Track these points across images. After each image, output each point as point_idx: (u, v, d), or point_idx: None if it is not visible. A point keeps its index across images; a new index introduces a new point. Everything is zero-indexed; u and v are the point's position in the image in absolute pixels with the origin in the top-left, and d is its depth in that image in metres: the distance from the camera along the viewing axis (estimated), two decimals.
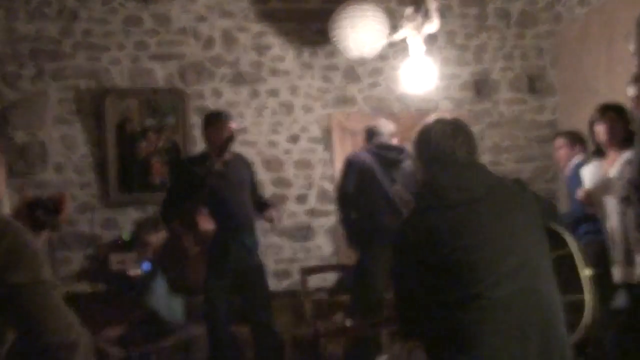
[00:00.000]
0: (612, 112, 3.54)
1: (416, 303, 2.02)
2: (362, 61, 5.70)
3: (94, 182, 5.37)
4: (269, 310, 4.20)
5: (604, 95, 4.57)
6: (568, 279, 2.17)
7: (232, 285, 4.08)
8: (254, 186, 4.35)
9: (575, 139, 4.62)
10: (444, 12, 5.49)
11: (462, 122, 2.21)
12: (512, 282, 1.95)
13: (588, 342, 3.48)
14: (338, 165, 5.21)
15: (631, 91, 3.10)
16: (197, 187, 4.00)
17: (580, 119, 4.79)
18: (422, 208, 2.09)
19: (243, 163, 4.34)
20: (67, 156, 5.35)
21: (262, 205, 4.33)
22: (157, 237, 5.01)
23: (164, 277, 4.68)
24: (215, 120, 4.12)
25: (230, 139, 4.10)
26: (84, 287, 4.98)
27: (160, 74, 5.51)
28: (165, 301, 4.65)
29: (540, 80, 6.11)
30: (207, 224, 4.25)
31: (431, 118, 2.23)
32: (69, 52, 5.37)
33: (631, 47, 2.74)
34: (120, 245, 5.24)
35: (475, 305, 1.92)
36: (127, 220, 5.37)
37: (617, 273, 3.39)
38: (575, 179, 4.09)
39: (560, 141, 4.70)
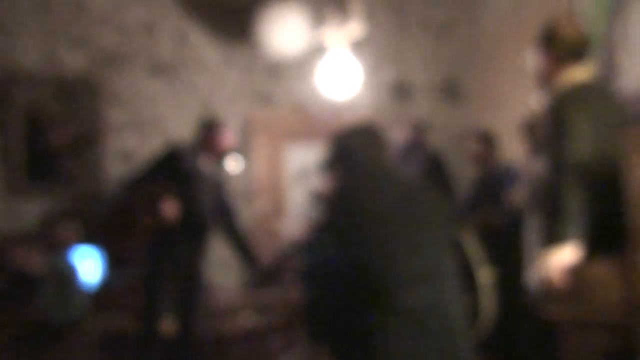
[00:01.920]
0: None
1: (326, 306, 2.08)
2: (284, 59, 5.74)
3: None
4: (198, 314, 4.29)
5: (516, 102, 4.78)
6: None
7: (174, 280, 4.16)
8: (228, 210, 4.46)
9: (490, 140, 4.78)
10: (365, 18, 5.55)
11: (377, 128, 2.28)
12: (421, 290, 2.01)
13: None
14: (261, 169, 5.16)
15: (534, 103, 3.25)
16: (182, 181, 4.11)
17: (493, 124, 5.00)
18: (336, 214, 2.14)
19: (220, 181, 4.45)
20: None
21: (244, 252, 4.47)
22: (67, 231, 4.87)
23: (103, 253, 4.62)
24: (221, 127, 4.30)
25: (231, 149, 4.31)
26: None
27: (74, 62, 5.41)
28: (60, 299, 4.51)
29: (456, 86, 6.29)
30: (168, 213, 4.20)
31: (347, 124, 2.29)
32: None
33: (527, 62, 2.89)
34: (25, 239, 5.08)
35: (383, 311, 1.98)
36: (33, 211, 5.23)
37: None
38: (504, 181, 4.26)
39: (476, 140, 4.82)
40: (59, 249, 4.69)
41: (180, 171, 4.13)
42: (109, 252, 4.62)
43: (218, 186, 4.36)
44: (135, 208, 4.25)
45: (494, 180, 4.64)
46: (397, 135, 4.91)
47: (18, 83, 5.21)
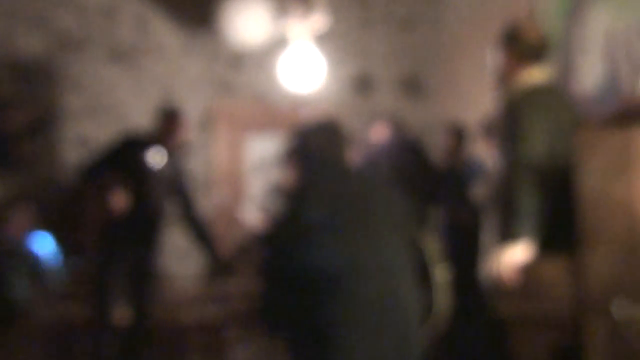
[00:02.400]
0: None
1: (283, 298, 2.10)
2: (246, 49, 5.71)
3: None
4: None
5: (479, 98, 4.81)
6: None
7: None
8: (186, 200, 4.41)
9: (462, 134, 4.76)
10: (329, 10, 5.51)
11: (338, 125, 2.32)
12: (375, 283, 2.06)
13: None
14: (221, 159, 5.13)
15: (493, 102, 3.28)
16: (135, 171, 4.09)
17: (456, 119, 5.00)
18: (294, 210, 2.17)
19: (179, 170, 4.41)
20: None
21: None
22: (21, 216, 4.79)
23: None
24: (180, 118, 4.27)
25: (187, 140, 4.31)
26: None
27: (31, 44, 5.32)
28: (14, 284, 4.44)
29: (419, 81, 6.32)
30: (117, 204, 4.13)
31: (308, 121, 2.36)
32: None
33: (488, 61, 2.93)
34: None
35: (338, 303, 2.02)
36: None
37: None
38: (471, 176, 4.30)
39: (448, 134, 4.80)
40: (13, 234, 4.61)
41: (133, 161, 4.11)
42: (62, 240, 4.56)
43: (174, 176, 4.33)
44: (86, 197, 4.18)
45: (461, 175, 4.65)
46: (374, 133, 4.83)
47: None
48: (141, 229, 4.18)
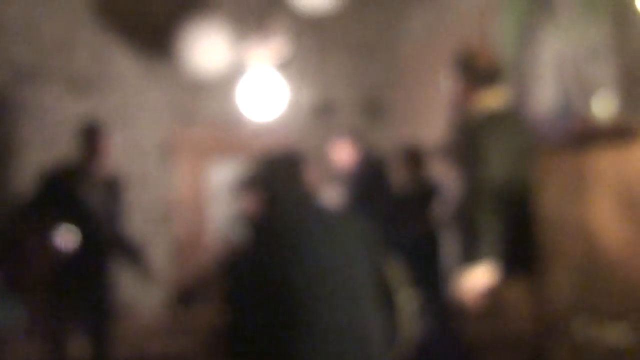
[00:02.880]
0: None
1: (248, 328, 2.12)
2: (206, 76, 5.67)
3: None
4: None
5: (436, 120, 4.84)
6: None
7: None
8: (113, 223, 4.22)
9: (417, 156, 4.74)
10: (289, 37, 5.62)
11: (298, 153, 2.38)
12: (338, 312, 2.08)
13: None
14: (182, 188, 5.14)
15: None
16: (66, 207, 3.90)
17: (413, 141, 5.05)
18: (256, 241, 2.20)
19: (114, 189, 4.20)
20: None
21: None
22: None
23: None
24: (100, 136, 4.06)
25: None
26: None
27: None
28: None
29: (378, 105, 6.39)
30: (60, 246, 3.99)
31: (269, 152, 2.38)
32: None
33: (442, 86, 2.98)
34: None
35: (302, 332, 2.03)
36: None
37: None
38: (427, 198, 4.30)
39: (403, 156, 4.78)
40: None
41: (63, 195, 3.93)
42: (7, 286, 4.41)
43: (107, 203, 4.12)
44: (26, 241, 4.01)
45: (420, 197, 4.62)
46: (339, 151, 4.77)
47: None
48: (91, 263, 4.00)
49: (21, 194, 4.21)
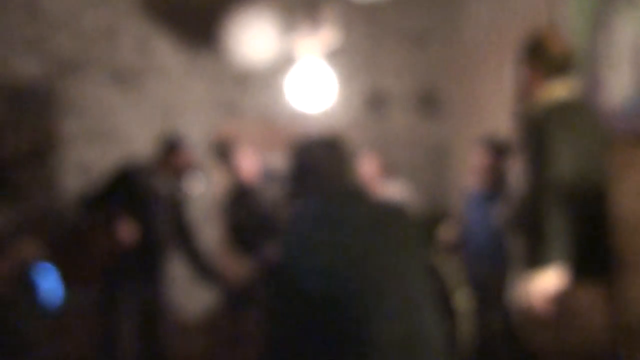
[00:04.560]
0: None
1: (294, 345, 1.96)
2: (252, 68, 5.70)
3: None
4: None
5: (496, 114, 4.77)
6: None
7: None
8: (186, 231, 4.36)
9: (502, 149, 4.29)
10: (339, 25, 5.52)
11: (342, 142, 2.20)
12: (394, 325, 1.93)
13: None
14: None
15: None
16: (138, 201, 4.05)
17: (471, 137, 4.92)
18: (295, 240, 2.05)
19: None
20: None
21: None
22: (21, 249, 4.75)
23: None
24: (181, 146, 4.24)
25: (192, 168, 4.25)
26: None
27: (27, 68, 5.34)
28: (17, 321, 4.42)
29: (434, 97, 6.30)
30: (123, 236, 4.08)
31: (308, 136, 2.24)
32: None
33: (509, 75, 2.90)
34: None
35: (353, 346, 1.90)
36: None
37: None
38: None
39: (484, 150, 4.33)
40: (13, 269, 4.57)
41: (135, 191, 4.09)
42: (64, 273, 4.53)
43: (176, 206, 4.29)
44: (90, 230, 4.18)
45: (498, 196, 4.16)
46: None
47: None
48: (149, 261, 4.14)
49: (92, 183, 4.31)
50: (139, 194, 4.09)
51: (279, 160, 4.81)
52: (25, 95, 5.28)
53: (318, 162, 2.10)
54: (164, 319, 4.24)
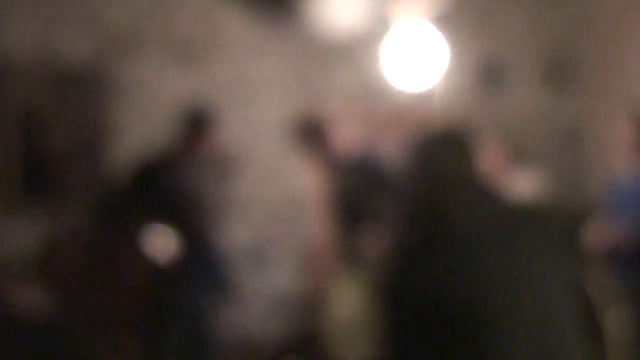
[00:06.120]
0: None
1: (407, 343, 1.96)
2: (340, 40, 5.55)
3: None
4: None
5: None
6: None
7: None
8: None
9: None
10: None
11: (466, 134, 2.16)
12: (529, 351, 1.88)
13: None
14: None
15: None
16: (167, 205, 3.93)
17: (611, 120, 4.70)
18: (415, 244, 2.04)
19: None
20: None
21: None
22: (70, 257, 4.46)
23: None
24: (208, 124, 4.20)
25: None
26: None
27: (76, 50, 5.16)
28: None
29: (565, 69, 6.13)
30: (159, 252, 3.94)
31: (426, 129, 2.23)
32: None
33: None
34: (20, 270, 4.66)
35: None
36: (30, 233, 4.86)
37: None
38: None
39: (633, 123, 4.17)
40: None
41: (161, 192, 3.88)
42: (85, 315, 4.14)
43: (209, 196, 4.16)
44: (114, 253, 3.83)
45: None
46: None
47: (8, 77, 5.01)
48: (201, 272, 3.98)
49: (111, 191, 4.26)
50: (166, 195, 3.90)
51: (379, 150, 4.84)
52: (73, 79, 5.20)
53: (441, 164, 2.12)
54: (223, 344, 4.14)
